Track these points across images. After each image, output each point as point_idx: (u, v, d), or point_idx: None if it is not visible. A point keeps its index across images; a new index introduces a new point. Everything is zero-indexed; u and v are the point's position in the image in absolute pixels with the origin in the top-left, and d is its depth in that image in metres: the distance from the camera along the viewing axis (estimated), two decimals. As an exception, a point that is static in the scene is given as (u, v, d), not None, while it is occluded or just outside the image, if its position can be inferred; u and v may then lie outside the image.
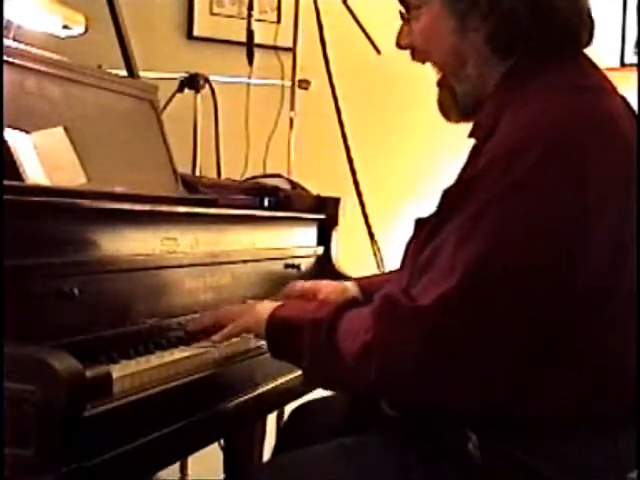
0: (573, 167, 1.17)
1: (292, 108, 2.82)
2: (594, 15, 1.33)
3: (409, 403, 1.26)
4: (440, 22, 1.33)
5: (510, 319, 1.16)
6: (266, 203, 1.98)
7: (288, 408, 2.19)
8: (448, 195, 1.26)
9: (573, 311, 1.18)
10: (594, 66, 1.32)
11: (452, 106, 1.38)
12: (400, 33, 1.40)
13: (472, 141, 1.34)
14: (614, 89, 1.31)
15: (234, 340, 1.53)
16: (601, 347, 1.22)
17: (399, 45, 1.40)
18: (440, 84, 1.39)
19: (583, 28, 1.31)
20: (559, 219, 1.16)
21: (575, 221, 1.16)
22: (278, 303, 1.45)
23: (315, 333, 1.30)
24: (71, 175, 1.52)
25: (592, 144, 1.19)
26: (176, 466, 2.61)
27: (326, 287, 1.72)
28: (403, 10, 1.40)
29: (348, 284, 1.75)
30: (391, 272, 1.75)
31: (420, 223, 1.32)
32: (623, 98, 1.32)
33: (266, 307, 1.43)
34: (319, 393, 1.84)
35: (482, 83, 1.33)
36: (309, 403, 1.74)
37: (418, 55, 1.39)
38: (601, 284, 1.19)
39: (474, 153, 1.30)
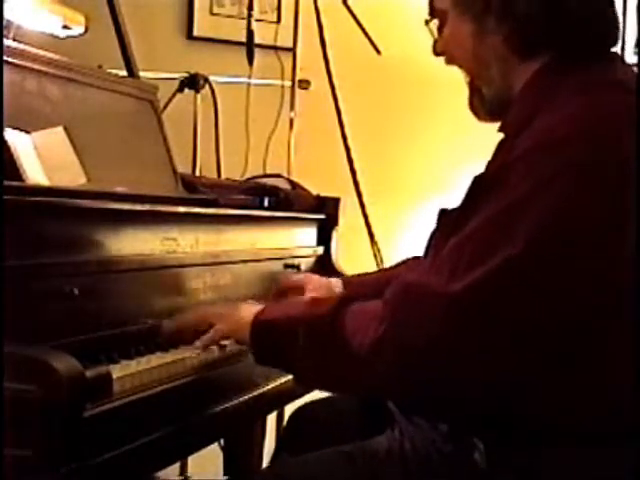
0: (614, 158, 1.16)
1: (292, 108, 2.82)
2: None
3: (421, 393, 1.20)
4: (460, 27, 1.35)
5: (542, 317, 1.14)
6: (266, 203, 1.98)
7: (288, 408, 2.19)
8: (480, 182, 1.25)
9: (587, 319, 1.16)
10: (623, 61, 1.35)
11: (481, 106, 1.39)
12: (436, 41, 1.42)
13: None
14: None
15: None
16: (604, 355, 1.20)
17: (435, 52, 1.42)
18: (470, 85, 1.40)
19: (604, 27, 1.33)
20: (602, 208, 1.14)
21: (615, 212, 1.15)
22: (260, 306, 1.39)
23: (314, 331, 1.25)
24: (71, 175, 1.52)
25: (628, 137, 1.18)
26: (176, 466, 2.61)
27: (312, 282, 1.73)
28: (436, 21, 1.42)
29: (333, 280, 1.76)
30: (380, 270, 1.76)
31: (445, 214, 1.32)
32: None
33: (248, 310, 1.37)
34: (319, 394, 1.85)
35: (506, 85, 1.33)
36: (310, 404, 1.73)
37: (449, 61, 1.41)
38: (616, 293, 1.17)
39: (505, 145, 1.30)
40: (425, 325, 1.14)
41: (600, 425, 1.20)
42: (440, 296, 1.14)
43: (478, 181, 1.25)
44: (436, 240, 1.32)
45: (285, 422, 1.74)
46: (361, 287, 1.70)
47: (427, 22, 1.43)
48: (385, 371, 1.17)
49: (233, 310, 1.41)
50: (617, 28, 1.34)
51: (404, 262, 1.73)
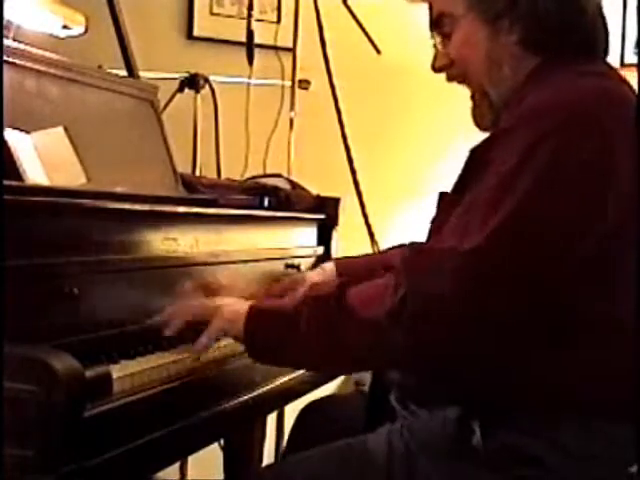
0: (596, 130, 1.21)
1: (292, 108, 2.82)
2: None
3: (438, 355, 1.23)
4: (474, 32, 1.38)
5: (544, 271, 1.18)
6: (266, 203, 1.98)
7: (288, 408, 2.19)
8: (474, 156, 1.30)
9: (582, 276, 1.20)
10: (612, 67, 1.38)
11: (486, 114, 1.41)
12: (435, 57, 1.44)
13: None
14: (630, 86, 1.36)
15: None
16: (596, 328, 1.23)
17: (435, 68, 1.44)
18: (474, 97, 1.43)
19: (603, 34, 1.38)
20: (586, 173, 1.20)
21: (600, 178, 1.20)
22: (240, 300, 1.37)
23: (319, 312, 1.25)
24: (71, 175, 1.52)
25: (613, 117, 1.23)
26: (176, 466, 2.61)
27: (310, 276, 1.76)
28: (437, 37, 1.44)
29: (327, 265, 1.79)
30: (370, 254, 1.80)
31: (444, 196, 1.36)
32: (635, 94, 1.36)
33: (236, 304, 1.35)
34: (323, 392, 1.85)
35: (517, 82, 1.37)
36: (317, 402, 1.74)
37: (456, 71, 1.42)
38: (610, 248, 1.21)
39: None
40: (444, 280, 1.17)
41: (596, 403, 1.23)
42: (455, 253, 1.18)
43: (472, 155, 1.30)
44: (438, 222, 1.36)
45: (294, 420, 1.74)
46: (352, 268, 1.74)
47: (441, 39, 1.44)
48: (405, 335, 1.19)
49: (218, 306, 1.37)
50: (607, 38, 1.39)
51: (393, 248, 1.78)
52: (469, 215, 1.22)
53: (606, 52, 1.39)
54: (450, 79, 1.44)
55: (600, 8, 1.38)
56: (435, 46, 1.44)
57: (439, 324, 1.18)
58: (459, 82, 1.43)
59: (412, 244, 1.27)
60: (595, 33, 1.36)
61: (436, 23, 1.42)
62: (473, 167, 1.29)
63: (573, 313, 1.22)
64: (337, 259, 1.87)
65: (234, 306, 1.35)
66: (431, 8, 1.44)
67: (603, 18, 1.38)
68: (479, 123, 1.43)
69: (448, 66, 1.43)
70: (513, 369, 1.23)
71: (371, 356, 1.26)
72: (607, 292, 1.23)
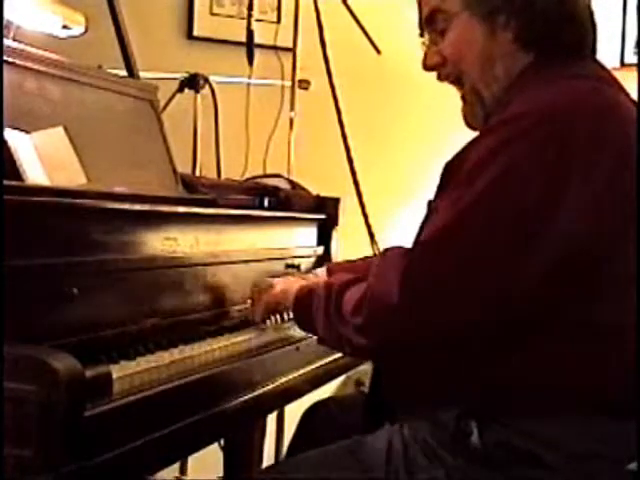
0: (560, 134, 1.20)
1: (292, 108, 2.82)
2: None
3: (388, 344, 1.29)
4: (469, 29, 1.36)
5: (492, 270, 1.20)
6: (266, 203, 1.98)
7: (288, 408, 2.19)
8: (448, 167, 1.32)
9: (556, 277, 1.19)
10: (603, 67, 1.37)
11: (478, 113, 1.40)
12: (426, 56, 1.42)
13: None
14: (620, 86, 1.35)
15: (235, 340, 1.53)
16: (592, 324, 1.23)
17: (426, 67, 1.43)
18: (465, 97, 1.41)
19: (592, 33, 1.37)
20: (539, 180, 1.19)
21: (555, 183, 1.19)
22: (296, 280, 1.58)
23: (326, 298, 1.36)
24: (71, 175, 1.52)
25: (586, 120, 1.22)
26: (176, 466, 2.61)
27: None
28: (427, 36, 1.42)
29: (318, 270, 1.81)
30: (366, 257, 1.80)
31: (430, 204, 1.37)
32: (628, 95, 1.35)
33: (290, 284, 1.56)
34: (323, 392, 1.85)
35: (508, 81, 1.36)
36: (320, 402, 1.74)
37: (449, 69, 1.40)
38: (581, 249, 1.20)
39: None
40: (390, 284, 1.22)
41: (595, 401, 1.23)
42: (403, 255, 1.25)
43: (447, 166, 1.32)
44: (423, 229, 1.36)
45: (298, 421, 1.74)
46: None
47: (430, 39, 1.43)
48: (364, 338, 1.26)
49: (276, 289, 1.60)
50: (595, 37, 1.39)
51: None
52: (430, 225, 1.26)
53: (594, 51, 1.38)
54: (441, 78, 1.42)
55: (590, 6, 1.37)
56: (424, 44, 1.43)
57: (390, 329, 1.24)
58: (450, 81, 1.42)
59: (385, 250, 1.33)
60: (586, 31, 1.36)
61: (429, 20, 1.40)
62: (447, 177, 1.31)
63: (564, 312, 1.22)
64: (330, 264, 1.87)
65: (283, 288, 1.58)
66: (421, 5, 1.42)
67: (592, 17, 1.37)
68: (470, 123, 1.42)
69: (440, 64, 1.41)
70: (507, 367, 1.23)
71: (348, 345, 1.34)
72: (594, 292, 1.22)
